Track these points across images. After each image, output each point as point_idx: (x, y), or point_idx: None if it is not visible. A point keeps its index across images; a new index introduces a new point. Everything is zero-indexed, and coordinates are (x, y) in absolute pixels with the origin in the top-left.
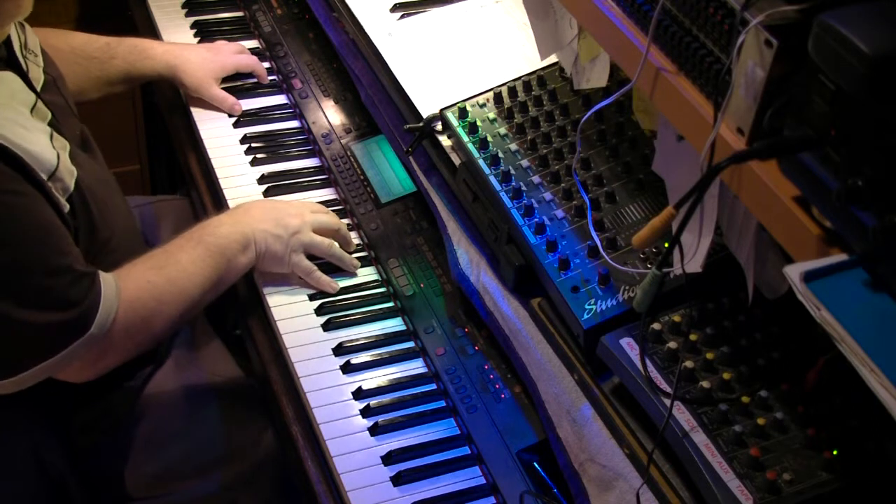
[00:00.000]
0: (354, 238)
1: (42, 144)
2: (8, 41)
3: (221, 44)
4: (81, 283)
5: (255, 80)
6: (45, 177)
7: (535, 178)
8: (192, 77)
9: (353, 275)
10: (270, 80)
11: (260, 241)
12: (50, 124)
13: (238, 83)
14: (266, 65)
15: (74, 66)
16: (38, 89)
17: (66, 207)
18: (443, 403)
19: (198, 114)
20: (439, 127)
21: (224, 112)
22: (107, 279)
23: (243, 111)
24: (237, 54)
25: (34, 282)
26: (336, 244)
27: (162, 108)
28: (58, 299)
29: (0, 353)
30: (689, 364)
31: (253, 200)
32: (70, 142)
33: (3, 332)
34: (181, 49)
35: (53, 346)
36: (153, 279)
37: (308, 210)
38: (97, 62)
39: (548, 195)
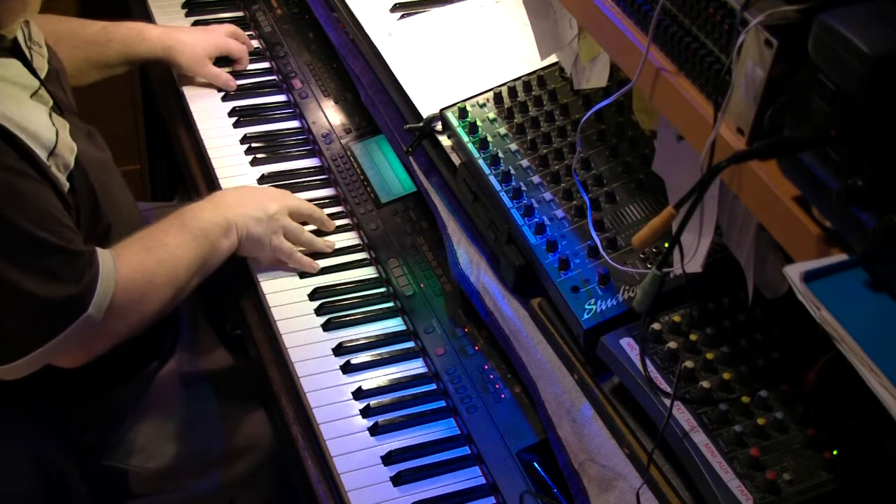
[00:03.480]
0: (354, 238)
1: (40, 121)
2: None
3: (214, 26)
4: (78, 262)
5: (255, 80)
6: (44, 155)
7: (535, 178)
8: (186, 57)
9: (327, 254)
10: (270, 80)
11: (241, 226)
12: (51, 109)
13: (239, 83)
14: (266, 65)
15: (73, 50)
16: (42, 77)
17: (66, 186)
18: (443, 403)
19: (198, 114)
20: (439, 127)
21: (219, 91)
22: (104, 258)
23: (242, 109)
24: (229, 36)
25: (30, 261)
26: (306, 231)
27: (162, 108)
28: (55, 278)
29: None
30: (689, 364)
31: (231, 187)
32: (71, 124)
33: (3, 312)
34: (175, 31)
35: (52, 328)
36: (145, 261)
37: (285, 196)
38: (95, 45)
39: (548, 195)
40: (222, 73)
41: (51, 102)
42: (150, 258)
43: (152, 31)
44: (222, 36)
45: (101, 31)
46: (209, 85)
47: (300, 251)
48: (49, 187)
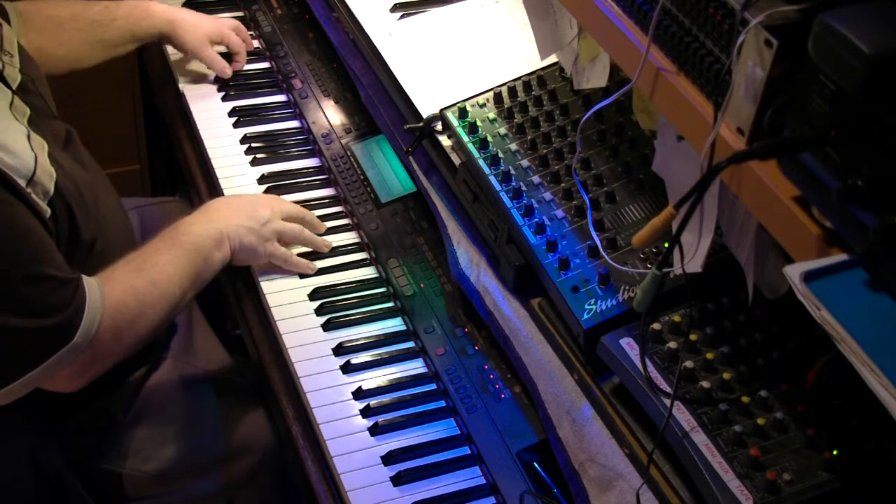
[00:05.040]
0: (354, 238)
1: (20, 147)
2: None
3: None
4: (64, 291)
5: (255, 80)
6: (23, 183)
7: (535, 178)
8: (190, 35)
9: (327, 255)
10: (270, 80)
11: (233, 237)
12: (29, 122)
13: (238, 82)
14: (266, 65)
15: (76, 33)
16: (14, 88)
17: (48, 212)
18: (443, 403)
19: (198, 114)
20: (439, 127)
21: (219, 90)
22: (91, 285)
23: (242, 109)
24: (231, 30)
25: (14, 290)
26: (305, 229)
27: (162, 108)
28: (40, 307)
29: None
30: (689, 364)
31: (221, 197)
32: (49, 142)
33: None
34: (178, 9)
35: (38, 356)
36: (135, 282)
37: (276, 200)
38: (99, 26)
39: (548, 195)
40: (220, 60)
41: (28, 112)
42: (140, 279)
43: (155, 8)
44: (225, 27)
45: (104, 10)
46: (209, 84)
47: (296, 253)
48: (33, 215)
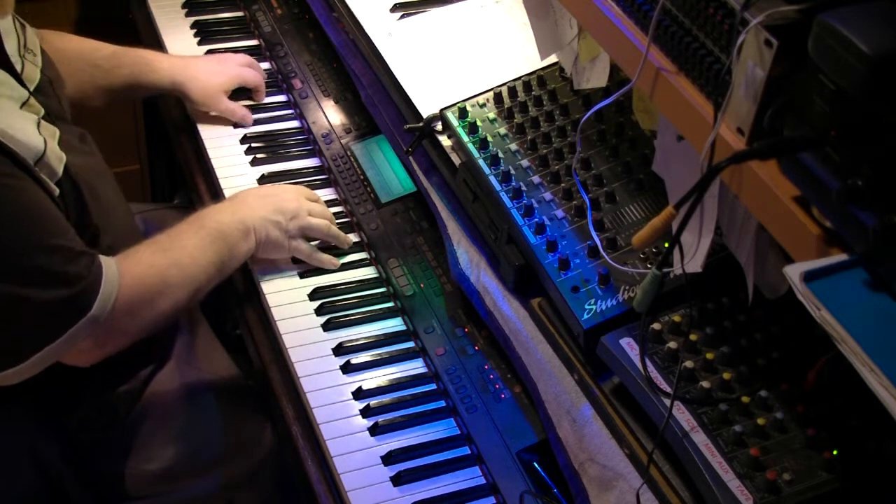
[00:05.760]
0: (354, 238)
1: (28, 131)
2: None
3: (228, 55)
4: (79, 262)
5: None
6: (31, 162)
7: (535, 178)
8: (198, 93)
9: (345, 252)
10: (270, 80)
11: (260, 229)
12: (42, 118)
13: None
14: (266, 65)
15: (79, 72)
16: (32, 89)
17: (56, 191)
18: (443, 403)
19: (198, 114)
20: (439, 127)
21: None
22: (107, 260)
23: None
24: (243, 66)
25: (30, 262)
26: (333, 225)
27: (162, 108)
28: (56, 278)
29: (4, 341)
30: (689, 364)
31: (250, 188)
32: (64, 132)
33: (5, 317)
34: (187, 64)
35: (56, 328)
36: (158, 261)
37: (304, 195)
38: (101, 70)
39: (548, 195)
40: (238, 109)
41: (42, 112)
42: (164, 259)
43: (163, 63)
44: (236, 67)
45: (111, 56)
46: None
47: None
48: (42, 191)
